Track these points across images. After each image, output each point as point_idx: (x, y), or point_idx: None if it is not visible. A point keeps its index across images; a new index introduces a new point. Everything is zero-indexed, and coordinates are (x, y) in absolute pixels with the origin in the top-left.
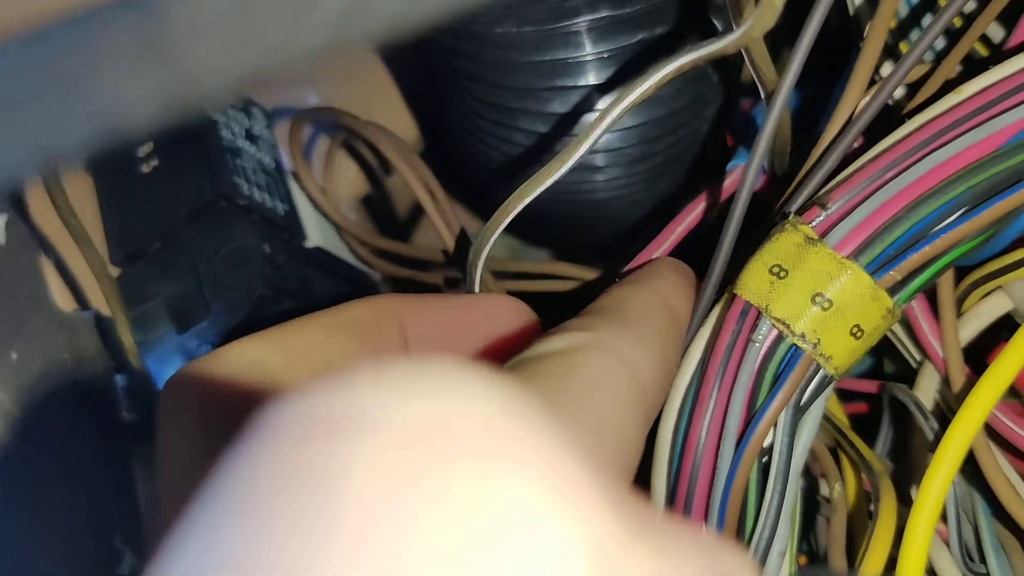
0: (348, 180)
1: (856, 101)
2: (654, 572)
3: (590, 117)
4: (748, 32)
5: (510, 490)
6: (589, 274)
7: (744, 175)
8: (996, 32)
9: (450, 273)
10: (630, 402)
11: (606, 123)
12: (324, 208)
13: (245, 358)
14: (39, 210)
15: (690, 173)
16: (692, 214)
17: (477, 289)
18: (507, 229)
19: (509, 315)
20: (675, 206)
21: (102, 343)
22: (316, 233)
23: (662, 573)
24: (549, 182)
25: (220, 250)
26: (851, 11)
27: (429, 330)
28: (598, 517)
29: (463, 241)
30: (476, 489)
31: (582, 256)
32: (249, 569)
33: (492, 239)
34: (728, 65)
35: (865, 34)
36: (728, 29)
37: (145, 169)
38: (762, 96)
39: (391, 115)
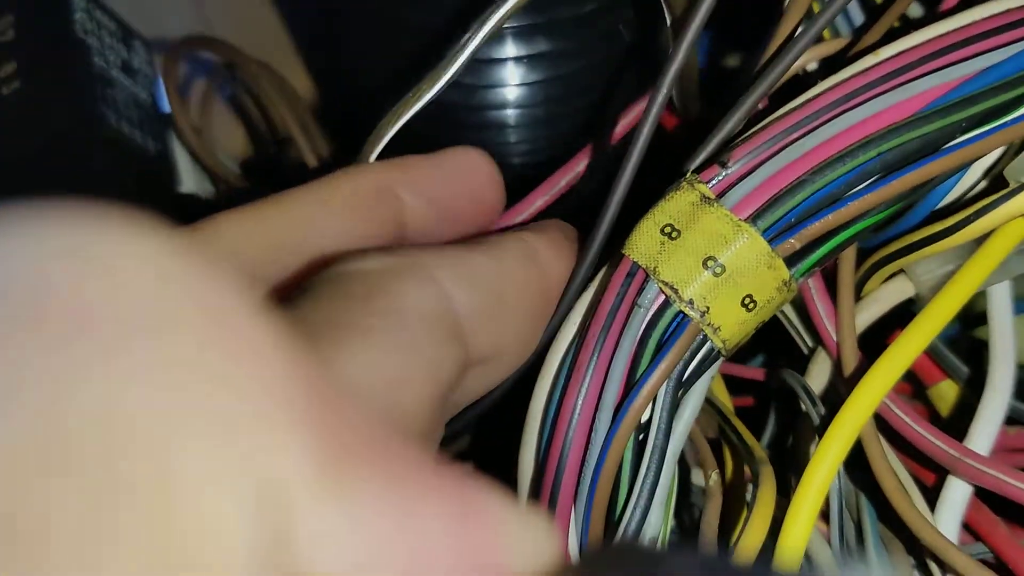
0: (228, 128)
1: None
2: (363, 535)
3: (496, 66)
4: None
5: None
6: None
7: (645, 113)
8: (916, 12)
9: None
10: (439, 329)
11: (489, 25)
12: (197, 151)
13: (231, 235)
14: None
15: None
16: (574, 170)
17: None
18: None
19: (479, 164)
20: None
21: None
22: (192, 179)
23: (374, 537)
24: (425, 99)
25: (78, 182)
26: None
27: (424, 202)
28: (279, 443)
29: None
30: (96, 393)
31: None
32: None
33: (378, 147)
34: (646, 31)
35: None
36: None
37: (4, 91)
38: (667, 23)
39: (282, 65)
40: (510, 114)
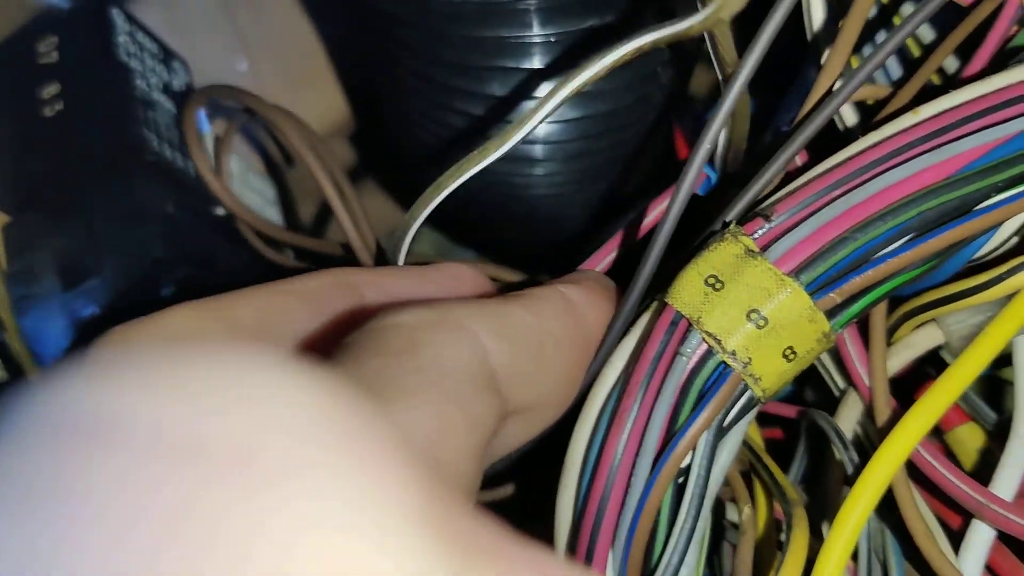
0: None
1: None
2: None
3: (530, 103)
4: (716, 13)
5: (291, 530)
6: (513, 276)
7: (686, 167)
8: (953, 65)
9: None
10: (476, 380)
11: (552, 103)
12: (217, 192)
13: (185, 324)
14: None
15: (629, 181)
16: (649, 217)
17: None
18: (435, 224)
19: (466, 283)
20: (609, 212)
21: None
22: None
23: None
24: (485, 163)
25: (119, 205)
26: (808, 25)
27: (385, 298)
28: (415, 559)
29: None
30: (249, 520)
31: (508, 261)
32: None
33: (413, 228)
34: (679, 69)
35: (833, 45)
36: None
37: (48, 112)
38: (720, 79)
39: (320, 90)
40: (542, 148)
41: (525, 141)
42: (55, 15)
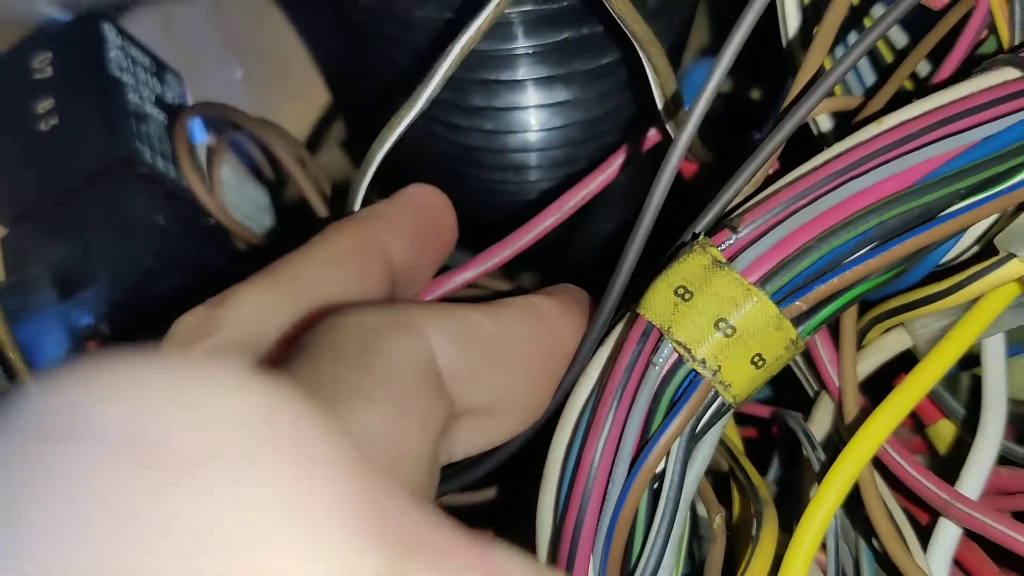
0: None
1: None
2: None
3: (516, 113)
4: None
5: (217, 524)
6: (502, 285)
7: (658, 177)
8: (926, 70)
9: None
10: (427, 381)
11: (465, 39)
12: (209, 207)
13: (253, 304)
14: None
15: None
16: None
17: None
18: None
19: (436, 199)
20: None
21: None
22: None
23: None
24: (418, 105)
25: (112, 218)
26: (784, 33)
27: (403, 242)
28: (348, 561)
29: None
30: (198, 520)
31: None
32: None
33: (370, 170)
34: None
35: (806, 51)
36: None
37: (43, 127)
38: (666, 126)
39: (313, 98)
40: (532, 156)
41: (516, 150)
42: (49, 31)
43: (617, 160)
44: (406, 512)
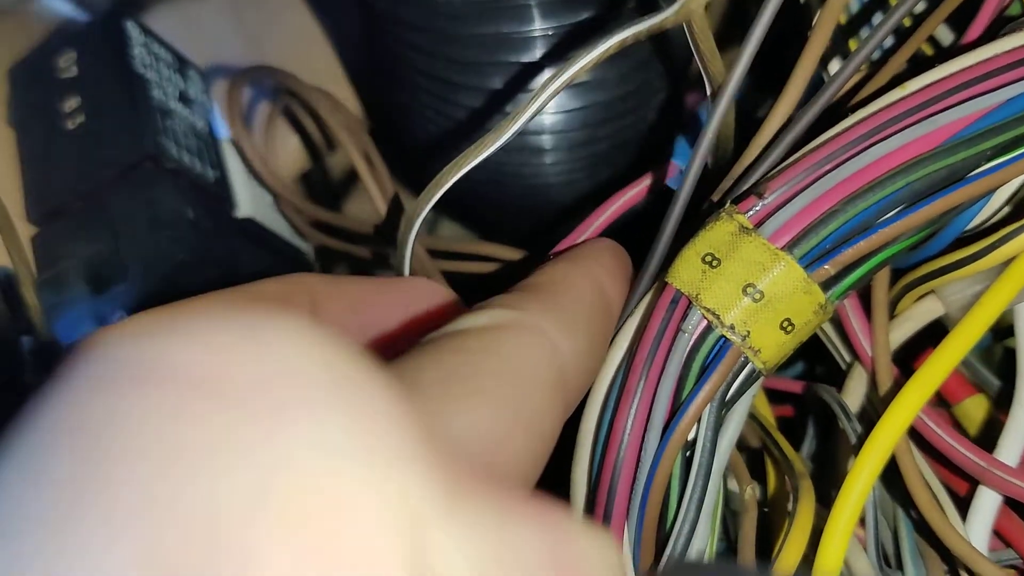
0: (288, 150)
1: (798, 94)
2: (477, 547)
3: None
4: (687, 4)
5: (305, 448)
6: (517, 255)
7: (686, 171)
8: (945, 35)
9: (383, 248)
10: (548, 384)
11: (544, 97)
12: (262, 173)
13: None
14: None
15: (634, 165)
16: (625, 197)
17: (407, 262)
18: (449, 214)
19: (427, 296)
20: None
21: (7, 302)
22: (248, 203)
23: (486, 551)
24: (484, 155)
25: (142, 213)
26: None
27: (340, 309)
28: (412, 477)
29: (397, 214)
30: (266, 452)
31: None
32: (13, 529)
33: (424, 211)
34: (676, 55)
35: (813, 24)
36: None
37: (70, 126)
38: (707, 88)
39: (331, 89)
40: (550, 138)
41: (531, 132)
42: (73, 30)
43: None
44: (462, 460)
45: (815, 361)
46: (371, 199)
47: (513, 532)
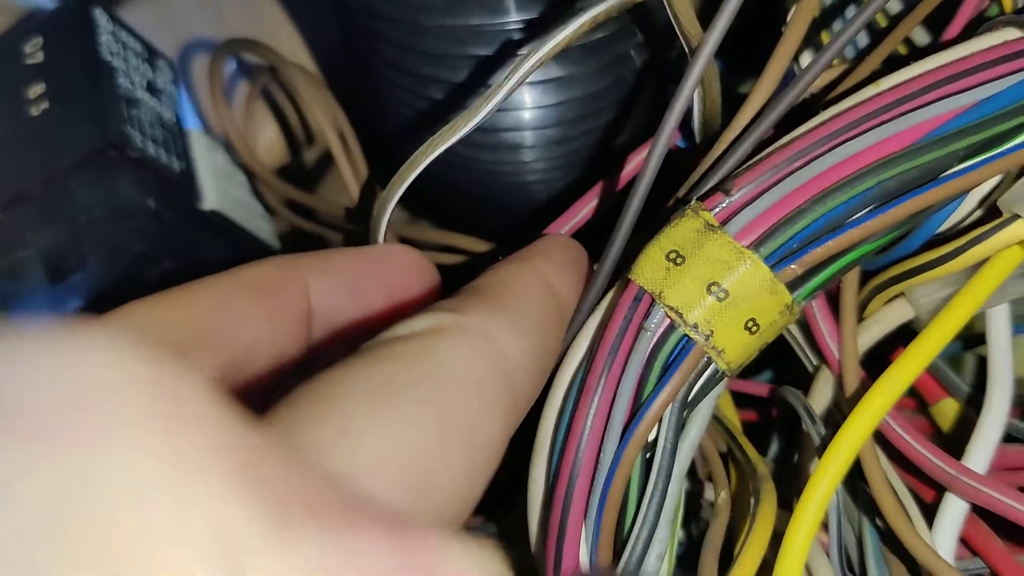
0: (266, 130)
1: (771, 87)
2: (302, 567)
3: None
4: None
5: (103, 469)
6: (487, 247)
7: (653, 144)
8: (922, 38)
9: (354, 228)
10: (489, 390)
11: (517, 76)
12: (239, 149)
13: (142, 323)
14: None
15: (614, 164)
16: (597, 196)
17: (381, 238)
18: (425, 214)
19: (409, 264)
20: None
21: None
22: (214, 196)
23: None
24: (458, 136)
25: (103, 202)
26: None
27: (332, 286)
28: (230, 504)
29: (369, 198)
30: (60, 473)
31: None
32: None
33: (398, 193)
34: (656, 51)
35: (788, 18)
36: None
37: (33, 112)
38: (686, 49)
39: None
40: (526, 135)
41: (508, 128)
42: (40, 16)
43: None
44: (301, 477)
45: (783, 368)
46: (345, 182)
47: (354, 553)
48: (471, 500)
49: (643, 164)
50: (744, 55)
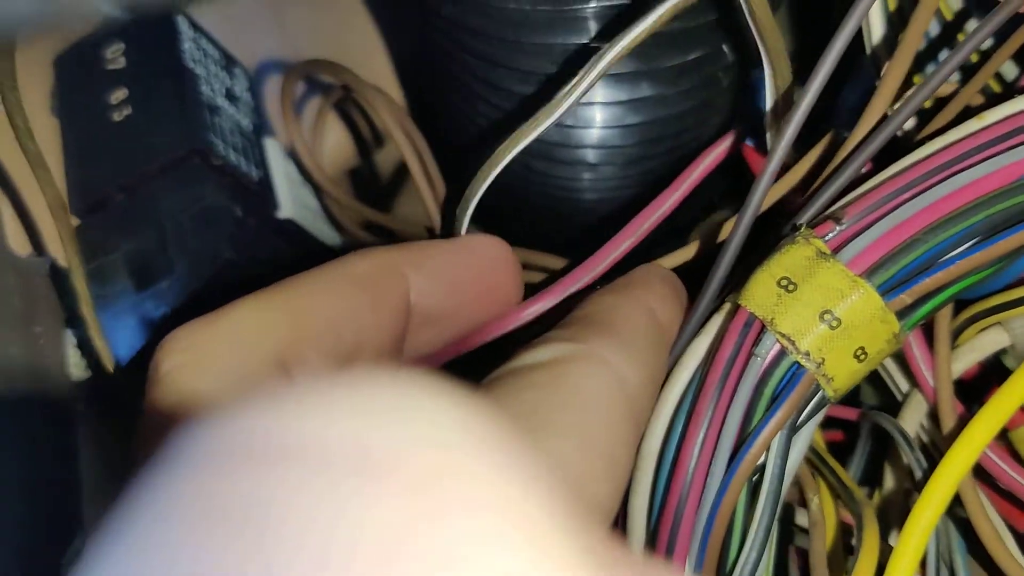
0: (338, 146)
1: (880, 115)
2: None
3: (593, 109)
4: None
5: (457, 543)
6: (554, 262)
7: (752, 190)
8: (1010, 70)
9: None
10: (620, 413)
11: (600, 67)
12: (309, 167)
13: (251, 322)
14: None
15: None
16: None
17: None
18: (487, 224)
19: (498, 257)
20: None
21: (56, 294)
22: (289, 204)
23: None
24: (537, 132)
25: (189, 208)
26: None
27: (430, 281)
28: (571, 556)
29: (448, 216)
30: (418, 540)
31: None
32: None
33: (482, 189)
34: (741, 74)
35: (898, 43)
36: None
37: (116, 117)
38: (761, 51)
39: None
40: (605, 152)
41: (583, 146)
42: (119, 22)
43: (700, 165)
44: (598, 532)
45: (862, 388)
46: (422, 199)
47: None
48: (612, 519)
49: (747, 198)
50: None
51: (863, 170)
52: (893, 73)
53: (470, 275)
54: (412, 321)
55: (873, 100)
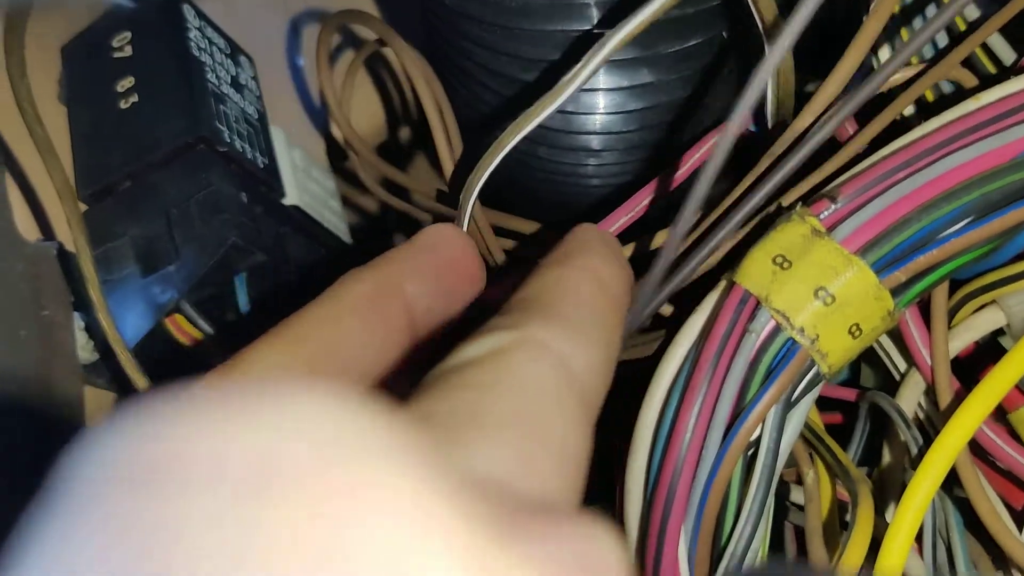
0: (364, 103)
1: (848, 74)
2: None
3: (596, 95)
4: None
5: (364, 539)
6: (523, 226)
7: (732, 115)
8: (1006, 53)
9: (444, 209)
10: (564, 399)
11: (603, 53)
12: (338, 119)
13: (269, 366)
14: (6, 125)
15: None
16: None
17: (467, 221)
18: (493, 205)
19: (462, 240)
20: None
21: (64, 278)
22: (294, 191)
23: None
24: (542, 116)
25: (195, 195)
26: None
27: (426, 289)
28: (473, 555)
29: (461, 177)
30: (329, 543)
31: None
32: None
33: (486, 173)
34: (746, 60)
35: (870, 9)
36: None
37: (123, 104)
38: (760, 29)
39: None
40: (608, 138)
41: (587, 132)
42: (125, 11)
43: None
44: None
45: (862, 369)
46: (439, 156)
47: (551, 553)
48: (577, 496)
49: (712, 148)
50: (818, 55)
51: (851, 131)
52: (879, 10)
53: (445, 267)
54: (416, 326)
55: (855, 39)
